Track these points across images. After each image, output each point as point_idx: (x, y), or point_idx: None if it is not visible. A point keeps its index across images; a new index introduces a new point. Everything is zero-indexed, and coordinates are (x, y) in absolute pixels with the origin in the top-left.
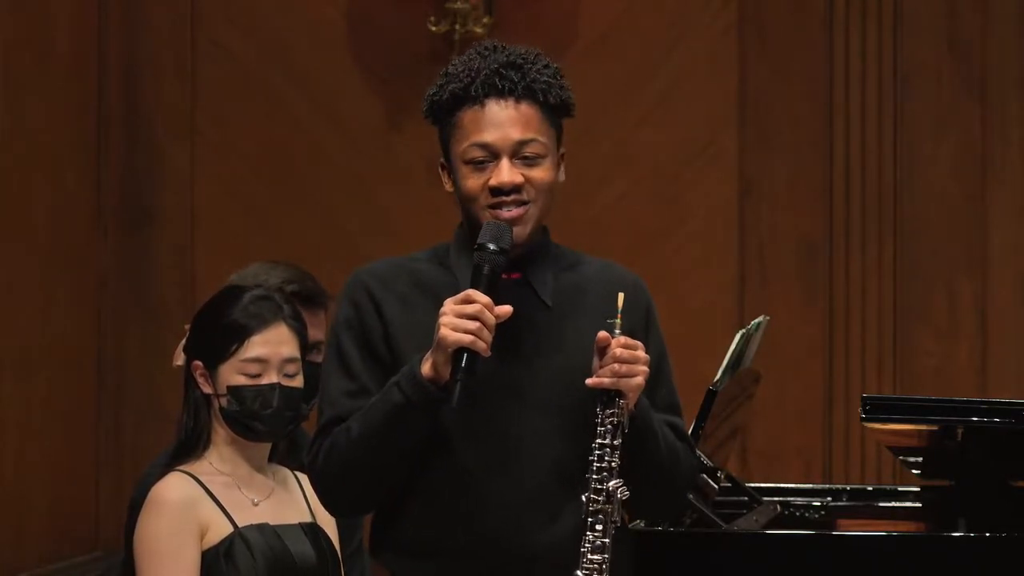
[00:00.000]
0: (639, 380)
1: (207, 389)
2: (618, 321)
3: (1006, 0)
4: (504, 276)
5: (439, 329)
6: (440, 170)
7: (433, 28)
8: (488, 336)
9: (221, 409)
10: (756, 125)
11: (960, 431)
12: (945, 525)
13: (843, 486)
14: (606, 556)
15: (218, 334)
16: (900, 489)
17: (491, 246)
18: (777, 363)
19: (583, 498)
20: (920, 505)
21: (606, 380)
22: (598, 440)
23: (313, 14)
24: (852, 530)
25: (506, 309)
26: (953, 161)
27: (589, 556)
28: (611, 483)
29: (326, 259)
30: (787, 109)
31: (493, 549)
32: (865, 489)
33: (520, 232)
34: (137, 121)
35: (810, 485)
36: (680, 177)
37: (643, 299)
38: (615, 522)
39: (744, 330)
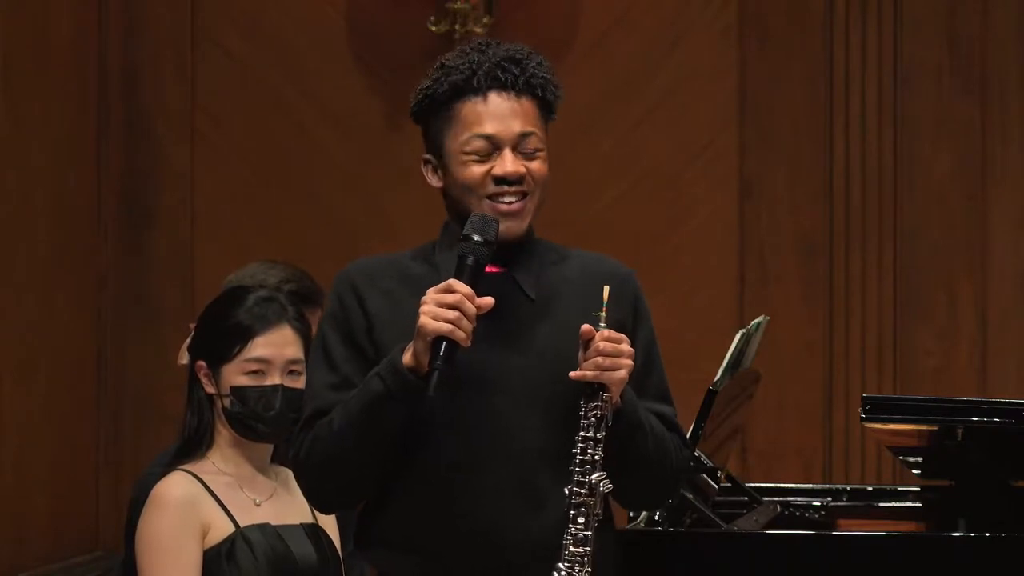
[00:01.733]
0: (622, 374)
1: (210, 389)
2: (602, 314)
3: (1006, 0)
4: (487, 270)
5: (419, 317)
6: (423, 165)
7: (433, 28)
8: (468, 326)
9: (224, 410)
10: (756, 125)
11: (960, 431)
12: (945, 525)
13: (843, 486)
14: (588, 549)
15: (222, 335)
16: (900, 489)
17: (476, 237)
18: (777, 363)
19: (565, 491)
20: (920, 505)
21: (589, 373)
22: (581, 433)
23: (313, 14)
24: (852, 530)
25: (488, 300)
26: (953, 161)
27: (571, 549)
28: (594, 476)
29: (326, 259)
30: (787, 109)
31: (477, 543)
32: (865, 489)
33: (518, 226)
34: (137, 121)
35: (810, 485)
36: (680, 177)
37: (631, 290)
38: (598, 515)
39: (744, 330)
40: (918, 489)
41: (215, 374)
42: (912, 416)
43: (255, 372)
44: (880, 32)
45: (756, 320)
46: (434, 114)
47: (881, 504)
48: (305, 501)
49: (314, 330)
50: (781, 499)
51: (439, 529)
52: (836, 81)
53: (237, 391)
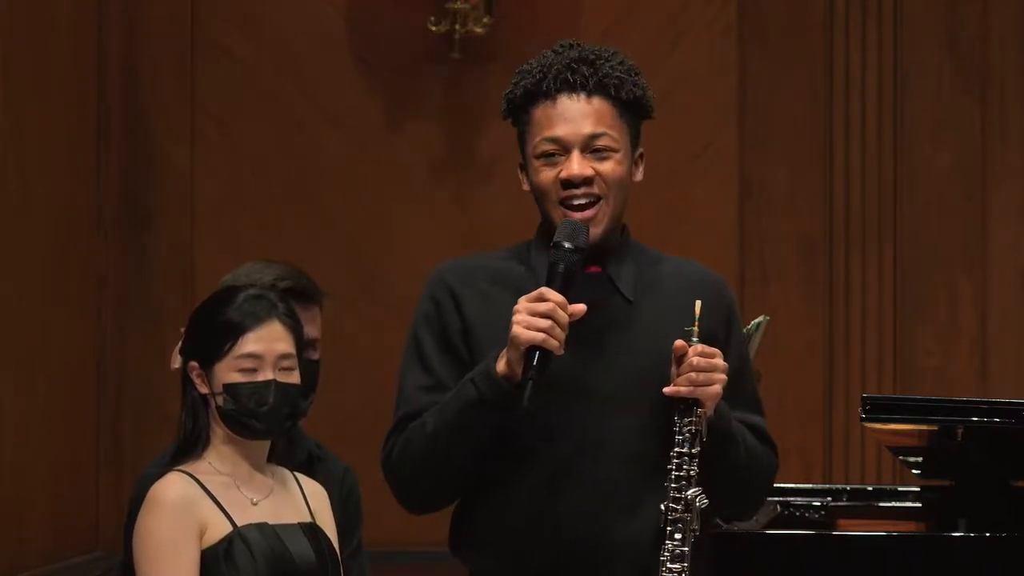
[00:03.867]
0: (716, 388)
1: (204, 389)
2: (695, 329)
3: (1006, 0)
4: (585, 270)
5: (512, 327)
6: (519, 171)
7: (433, 28)
8: (560, 334)
9: (218, 408)
10: (756, 126)
11: (960, 431)
12: (945, 525)
13: (843, 486)
14: (685, 565)
15: (213, 333)
16: (900, 489)
17: (566, 244)
18: (777, 363)
19: (661, 507)
20: (920, 505)
21: (683, 389)
22: (676, 449)
23: (313, 14)
24: (852, 530)
25: (580, 308)
26: (953, 161)
27: (669, 565)
28: (689, 492)
29: (325, 259)
30: (787, 110)
31: (572, 547)
32: (865, 489)
33: (595, 232)
34: (137, 121)
35: (810, 485)
36: (680, 177)
37: (726, 298)
38: (695, 531)
39: (744, 330)
40: (918, 489)
41: (208, 374)
42: (912, 416)
43: (247, 369)
44: (880, 32)
45: (756, 320)
46: (516, 120)
47: (881, 504)
48: (303, 500)
49: (310, 329)
50: (781, 499)
51: (533, 532)
52: (836, 81)
53: (230, 388)
